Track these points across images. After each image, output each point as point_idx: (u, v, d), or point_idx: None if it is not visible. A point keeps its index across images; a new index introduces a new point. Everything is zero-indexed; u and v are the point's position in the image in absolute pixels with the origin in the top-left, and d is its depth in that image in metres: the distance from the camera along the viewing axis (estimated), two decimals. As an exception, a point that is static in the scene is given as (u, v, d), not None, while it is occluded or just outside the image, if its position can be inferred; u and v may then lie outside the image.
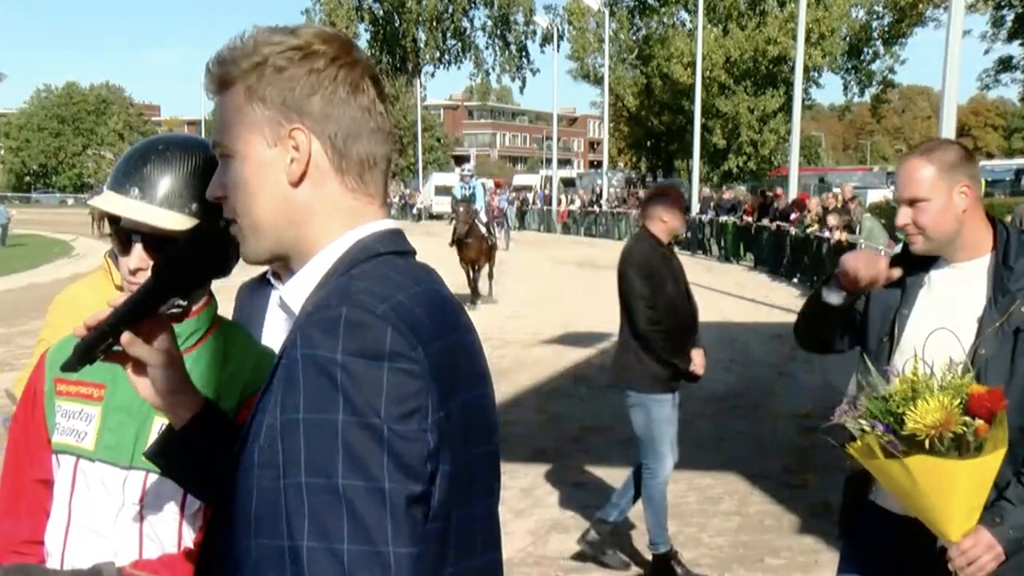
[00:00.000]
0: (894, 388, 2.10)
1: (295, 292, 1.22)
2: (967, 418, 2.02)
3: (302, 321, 1.13)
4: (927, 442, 2.01)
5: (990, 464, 2.08)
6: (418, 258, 1.29)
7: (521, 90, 76.86)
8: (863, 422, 2.11)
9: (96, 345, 1.30)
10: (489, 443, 1.25)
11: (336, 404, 1.05)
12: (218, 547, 1.20)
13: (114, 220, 1.70)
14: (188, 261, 1.33)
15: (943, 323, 2.28)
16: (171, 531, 1.64)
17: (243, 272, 2.88)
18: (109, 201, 1.63)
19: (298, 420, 1.06)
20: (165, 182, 1.62)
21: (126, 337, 1.30)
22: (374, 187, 1.24)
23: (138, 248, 1.63)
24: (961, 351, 2.21)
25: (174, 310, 1.36)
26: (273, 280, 2.56)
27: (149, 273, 1.59)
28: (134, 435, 1.63)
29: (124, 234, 1.65)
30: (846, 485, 2.60)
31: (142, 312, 1.30)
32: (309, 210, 1.22)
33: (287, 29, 1.23)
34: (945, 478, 2.05)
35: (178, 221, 1.62)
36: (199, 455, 1.38)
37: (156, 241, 1.63)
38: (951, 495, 2.09)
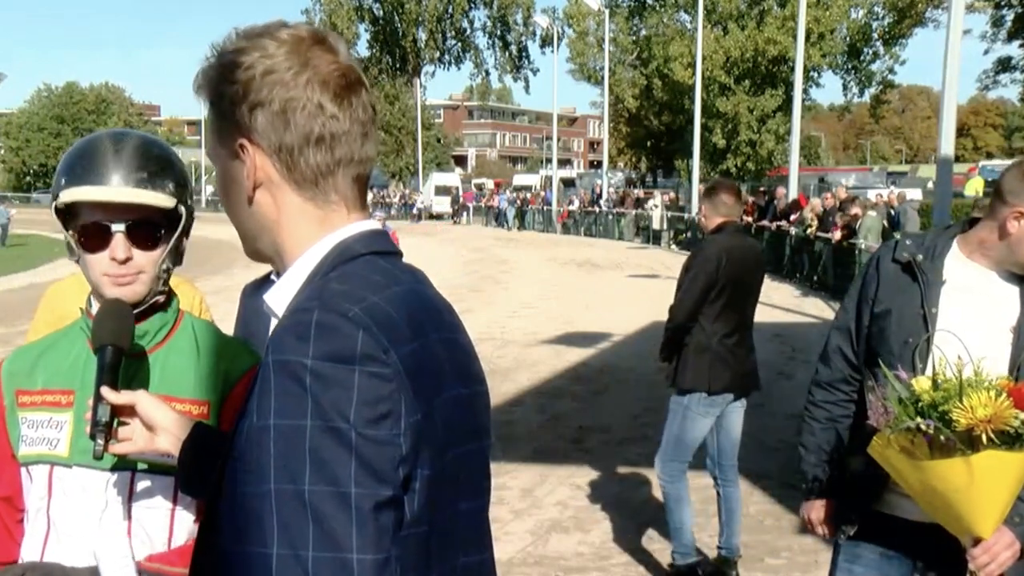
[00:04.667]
0: (918, 389, 2.09)
1: (279, 296, 1.21)
2: (1016, 411, 2.01)
3: (277, 326, 1.13)
4: (983, 436, 1.99)
5: None
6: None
7: (526, 89, 76.59)
8: (920, 421, 2.06)
9: (98, 420, 1.49)
10: (478, 442, 1.24)
11: (305, 409, 1.04)
12: (207, 551, 1.20)
13: (72, 217, 1.67)
14: (112, 325, 1.57)
15: (984, 321, 2.31)
16: (162, 528, 1.64)
17: (246, 273, 2.88)
18: (103, 192, 1.63)
19: (269, 426, 1.05)
20: (144, 167, 1.66)
21: (103, 391, 1.48)
22: (338, 193, 1.21)
23: (120, 237, 1.63)
24: (991, 350, 2.21)
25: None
26: (275, 280, 2.57)
27: (139, 263, 1.64)
28: None
29: (96, 228, 1.64)
30: (849, 486, 2.57)
31: (110, 377, 1.52)
32: (274, 219, 1.22)
33: (246, 34, 1.21)
34: (1009, 472, 2.04)
35: (169, 200, 1.68)
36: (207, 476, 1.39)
37: (137, 228, 1.65)
38: (1004, 489, 2.08)
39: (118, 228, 1.63)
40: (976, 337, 2.18)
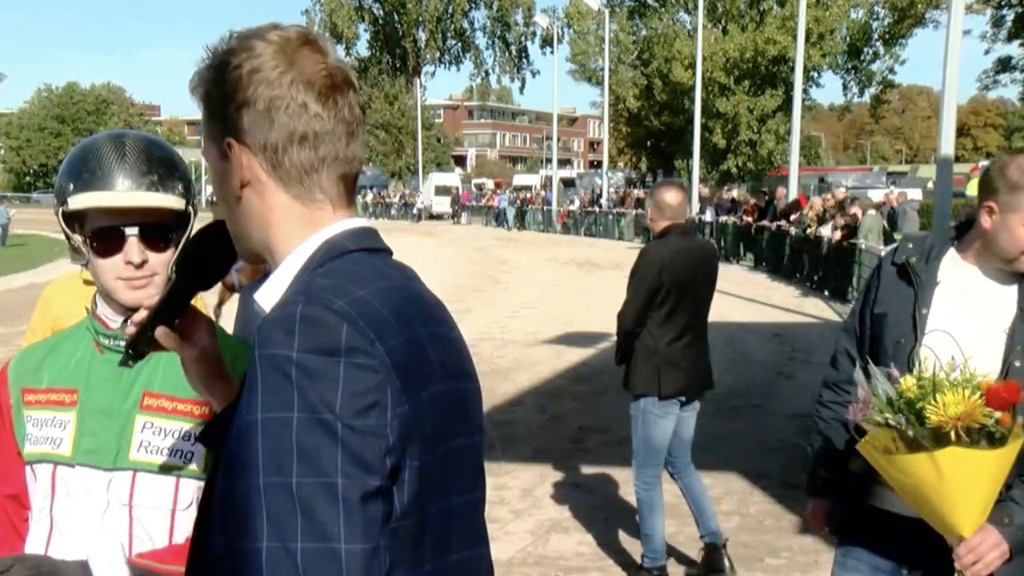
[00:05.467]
0: (903, 386, 2.10)
1: (268, 293, 1.22)
2: (989, 409, 2.02)
3: (263, 320, 1.13)
4: (952, 434, 2.01)
5: (1013, 454, 2.09)
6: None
7: (521, 90, 77.16)
8: (889, 416, 2.08)
9: (139, 342, 1.37)
10: (469, 437, 1.25)
11: (291, 402, 1.05)
12: (201, 548, 1.20)
13: (79, 222, 1.67)
14: (207, 255, 1.38)
15: (978, 322, 2.31)
16: (163, 528, 1.64)
17: (244, 272, 2.87)
18: (118, 198, 1.63)
19: (256, 421, 1.06)
20: (153, 169, 1.66)
21: (159, 331, 1.34)
22: (323, 191, 1.22)
23: (134, 240, 1.63)
24: (984, 350, 2.22)
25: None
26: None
27: (153, 266, 1.63)
28: (117, 435, 1.63)
29: (108, 232, 1.64)
30: (850, 485, 2.58)
31: (174, 309, 1.36)
32: (263, 217, 1.23)
33: (239, 35, 1.22)
34: (976, 470, 2.05)
35: (179, 202, 1.67)
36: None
37: (149, 231, 1.65)
38: (976, 488, 2.09)
39: (131, 232, 1.64)
40: (969, 337, 2.20)
